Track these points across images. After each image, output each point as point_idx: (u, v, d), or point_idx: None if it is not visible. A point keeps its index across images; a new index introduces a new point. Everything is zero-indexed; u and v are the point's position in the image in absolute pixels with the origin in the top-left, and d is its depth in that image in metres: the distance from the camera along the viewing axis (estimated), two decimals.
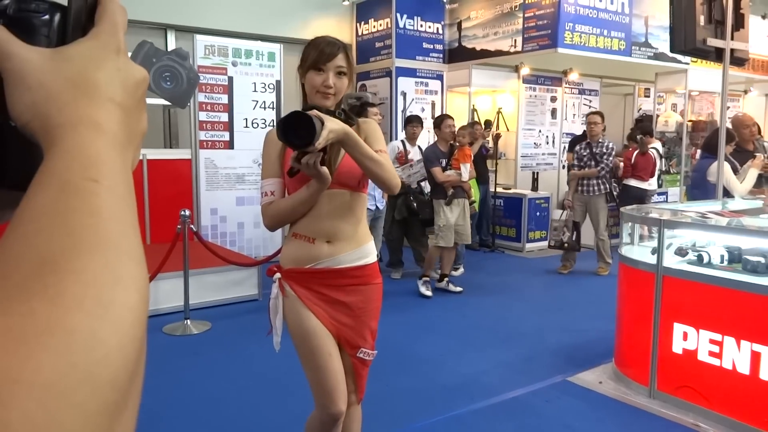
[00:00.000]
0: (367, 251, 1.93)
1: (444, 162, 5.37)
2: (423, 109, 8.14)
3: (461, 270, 6.27)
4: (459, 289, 5.56)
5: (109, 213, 0.31)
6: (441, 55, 8.38)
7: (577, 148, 6.19)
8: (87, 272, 0.28)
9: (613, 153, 6.22)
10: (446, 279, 5.55)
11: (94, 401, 0.25)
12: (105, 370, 0.25)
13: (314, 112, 1.62)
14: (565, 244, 6.27)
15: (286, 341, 1.94)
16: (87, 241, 0.29)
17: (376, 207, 5.31)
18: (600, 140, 6.10)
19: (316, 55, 1.81)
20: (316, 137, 1.56)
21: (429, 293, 5.39)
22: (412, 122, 6.06)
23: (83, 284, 0.27)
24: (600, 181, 6.18)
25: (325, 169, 1.67)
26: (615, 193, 7.45)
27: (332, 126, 1.63)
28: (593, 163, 6.11)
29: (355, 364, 1.97)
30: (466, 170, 5.37)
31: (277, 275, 1.90)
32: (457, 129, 5.48)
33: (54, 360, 0.24)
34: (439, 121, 5.46)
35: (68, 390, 0.24)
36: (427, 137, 8.00)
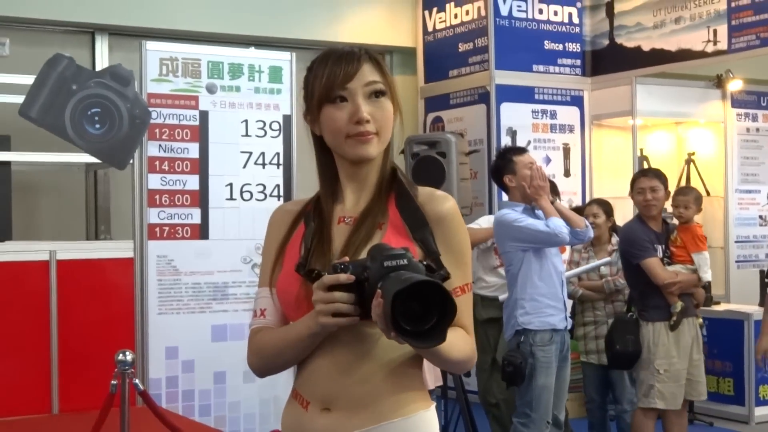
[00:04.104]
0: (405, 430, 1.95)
1: (660, 249, 5.48)
2: (548, 160, 8.18)
3: None
4: None
5: None
6: (579, 62, 8.51)
7: None
8: None
9: None
10: None
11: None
12: None
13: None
14: None
15: None
16: None
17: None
18: None
19: (326, 75, 1.96)
20: (445, 323, 1.70)
21: None
22: None
23: None
24: None
25: (339, 320, 1.80)
26: None
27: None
28: None
29: None
30: (706, 263, 5.40)
31: None
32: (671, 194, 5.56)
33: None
34: (635, 180, 5.58)
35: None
36: None
